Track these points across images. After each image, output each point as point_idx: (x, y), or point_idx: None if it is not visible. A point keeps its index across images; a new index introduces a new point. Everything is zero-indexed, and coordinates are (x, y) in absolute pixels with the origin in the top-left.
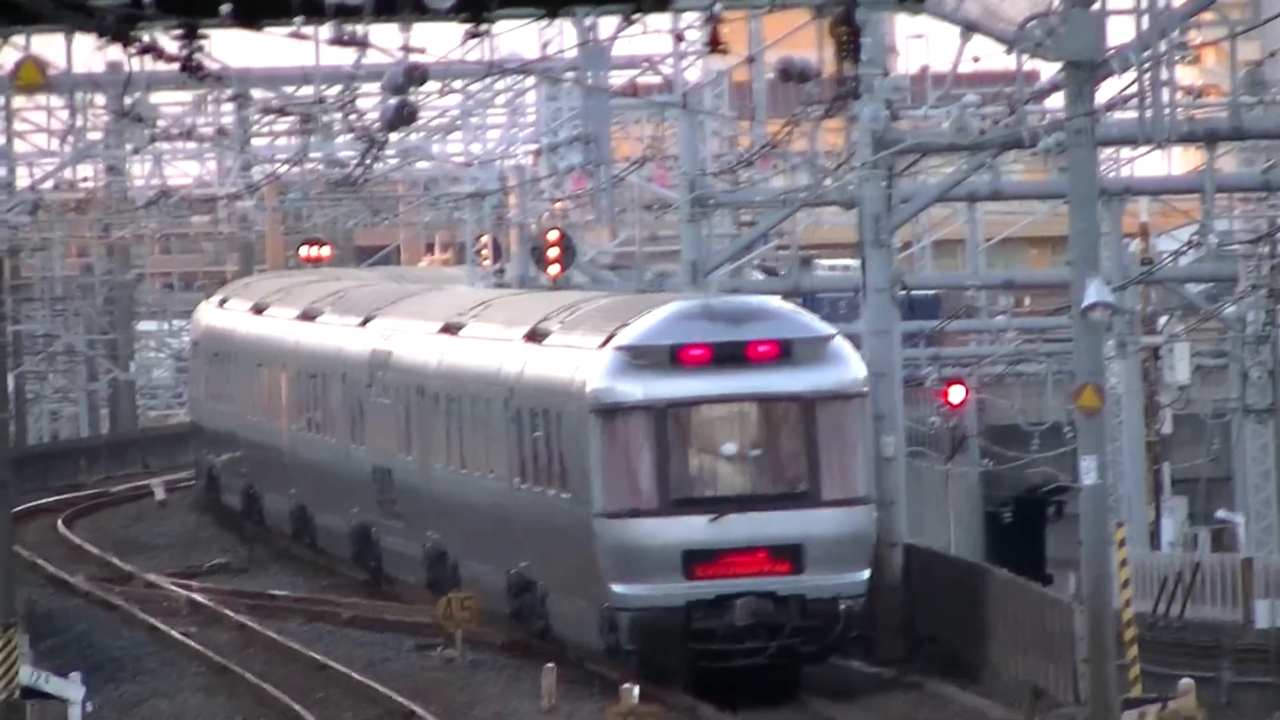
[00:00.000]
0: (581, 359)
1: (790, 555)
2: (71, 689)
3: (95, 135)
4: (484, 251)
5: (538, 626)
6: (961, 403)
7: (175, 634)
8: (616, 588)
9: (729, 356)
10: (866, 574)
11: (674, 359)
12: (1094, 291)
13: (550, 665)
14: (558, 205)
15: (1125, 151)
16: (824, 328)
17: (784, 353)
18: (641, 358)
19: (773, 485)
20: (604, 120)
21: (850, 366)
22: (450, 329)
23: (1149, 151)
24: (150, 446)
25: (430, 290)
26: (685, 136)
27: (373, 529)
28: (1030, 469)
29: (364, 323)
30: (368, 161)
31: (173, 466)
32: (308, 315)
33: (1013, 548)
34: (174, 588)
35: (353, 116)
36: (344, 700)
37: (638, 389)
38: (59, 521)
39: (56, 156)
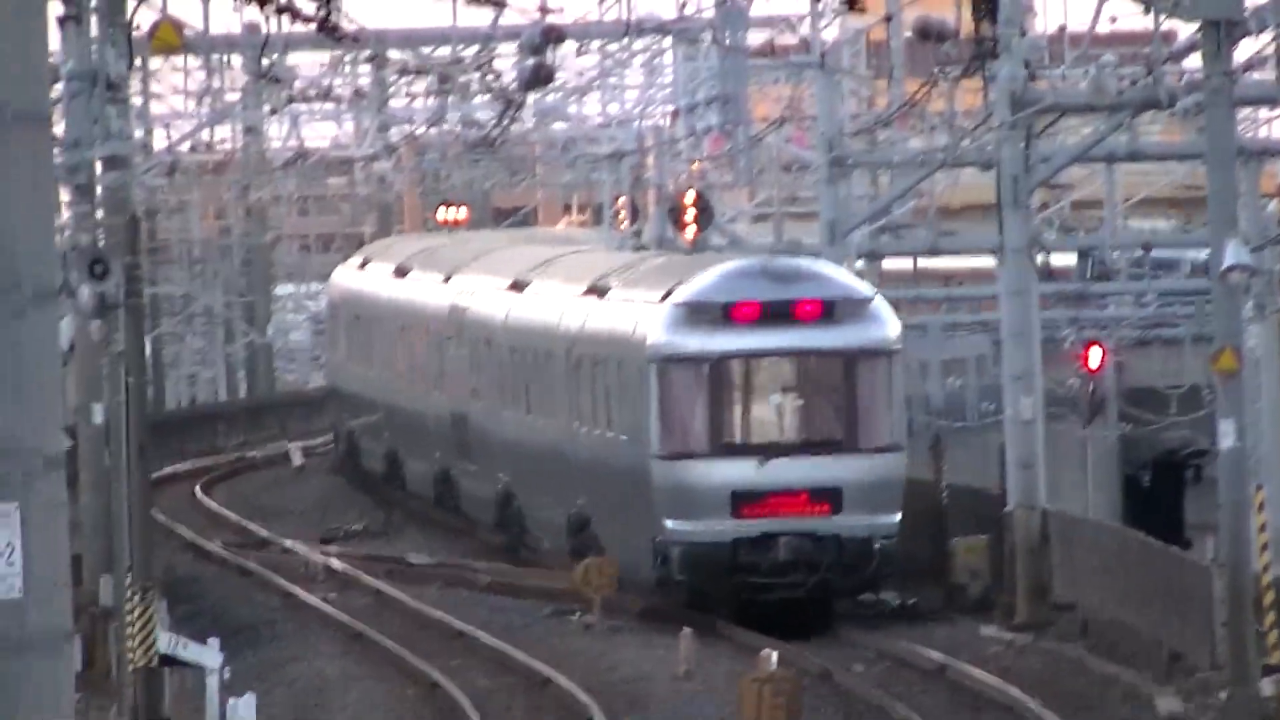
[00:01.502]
0: (641, 313)
1: (829, 498)
2: (209, 655)
3: (232, 97)
4: (621, 213)
5: None
6: (1100, 365)
7: (311, 600)
8: (670, 523)
9: (777, 314)
10: (898, 516)
11: (726, 315)
12: (1232, 253)
13: (688, 630)
14: (695, 166)
15: (1263, 111)
16: (865, 289)
17: (827, 311)
18: (697, 313)
19: (814, 433)
20: (741, 80)
21: (887, 325)
22: (517, 285)
23: None
24: (288, 411)
25: (503, 249)
26: (823, 97)
27: (452, 471)
28: (1169, 432)
29: (446, 279)
30: (505, 122)
31: (310, 431)
32: (400, 272)
33: (1151, 511)
34: (311, 553)
35: (490, 77)
36: (480, 666)
37: (693, 341)
38: (196, 487)
39: (194, 118)
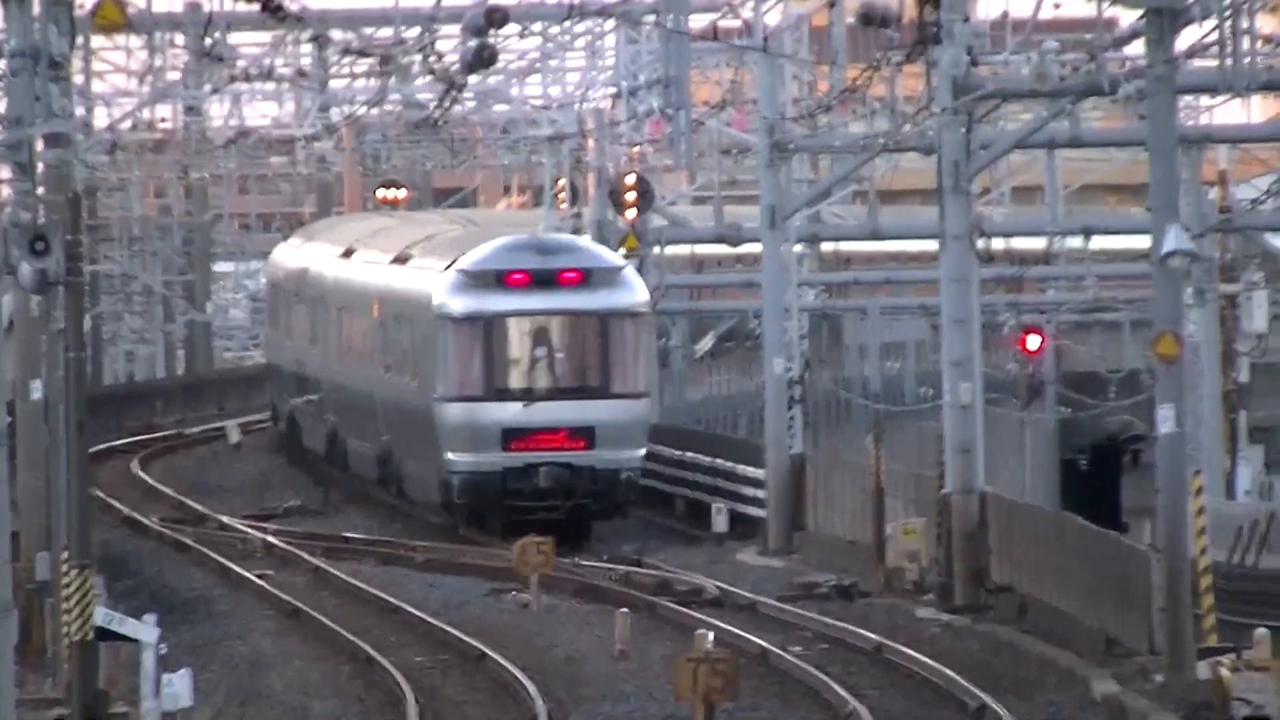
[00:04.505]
0: (431, 278)
1: (585, 435)
2: (145, 630)
3: (174, 75)
4: (561, 195)
5: (395, 489)
6: (1039, 350)
7: (249, 576)
8: (451, 456)
9: (543, 280)
10: (643, 451)
11: (500, 281)
12: (1173, 239)
13: (624, 611)
14: (635, 149)
15: (1204, 99)
16: (617, 260)
17: (585, 278)
18: (475, 278)
19: (573, 380)
20: (683, 64)
21: (636, 291)
22: (346, 253)
23: (1228, 99)
24: (226, 388)
25: (344, 222)
26: (764, 81)
27: (296, 414)
28: (1107, 417)
29: (301, 246)
30: (446, 104)
31: (249, 408)
32: (286, 243)
33: (1089, 495)
34: (249, 530)
35: (432, 58)
36: (416, 643)
37: (472, 303)
38: (134, 463)
39: (135, 96)
